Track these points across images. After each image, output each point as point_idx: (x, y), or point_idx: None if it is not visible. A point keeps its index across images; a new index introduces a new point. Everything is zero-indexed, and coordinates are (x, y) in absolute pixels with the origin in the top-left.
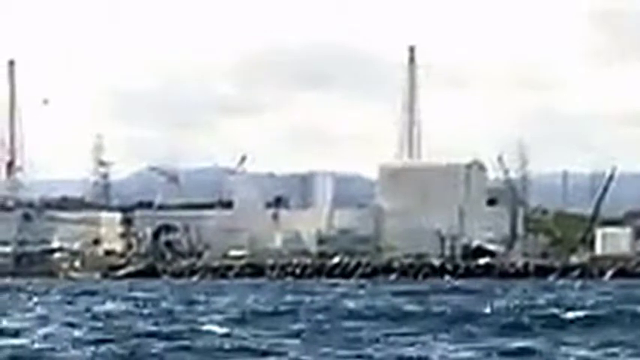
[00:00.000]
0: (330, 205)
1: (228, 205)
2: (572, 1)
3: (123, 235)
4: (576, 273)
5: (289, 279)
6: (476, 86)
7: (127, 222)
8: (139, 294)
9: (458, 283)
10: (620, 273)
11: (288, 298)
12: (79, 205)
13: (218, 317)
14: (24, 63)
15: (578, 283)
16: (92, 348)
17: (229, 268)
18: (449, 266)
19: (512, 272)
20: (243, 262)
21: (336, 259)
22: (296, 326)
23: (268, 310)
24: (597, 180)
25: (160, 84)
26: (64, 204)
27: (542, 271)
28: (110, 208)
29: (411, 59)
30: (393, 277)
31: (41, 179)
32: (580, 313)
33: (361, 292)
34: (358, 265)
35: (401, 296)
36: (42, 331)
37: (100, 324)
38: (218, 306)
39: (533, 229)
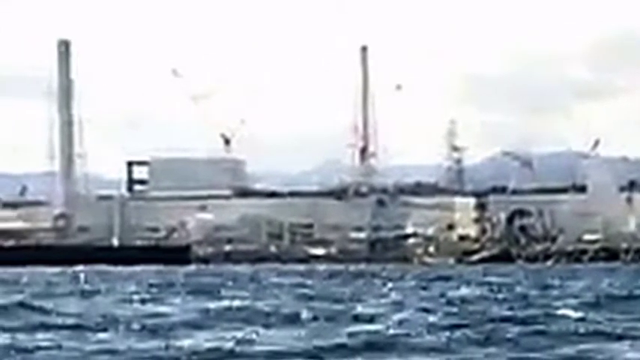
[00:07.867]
0: None
1: (582, 189)
2: None
3: (477, 220)
4: None
5: None
6: None
7: (481, 207)
8: (493, 279)
9: None
10: None
11: None
12: (433, 190)
13: (572, 301)
14: (377, 49)
15: None
16: (447, 333)
17: (583, 252)
18: None
19: None
20: (597, 246)
21: None
22: None
23: (623, 293)
24: None
25: (514, 68)
26: (418, 189)
27: None
28: (464, 193)
29: None
30: None
31: (395, 165)
32: None
33: None
34: None
35: None
36: (397, 316)
37: (454, 309)
38: (572, 290)
39: None
